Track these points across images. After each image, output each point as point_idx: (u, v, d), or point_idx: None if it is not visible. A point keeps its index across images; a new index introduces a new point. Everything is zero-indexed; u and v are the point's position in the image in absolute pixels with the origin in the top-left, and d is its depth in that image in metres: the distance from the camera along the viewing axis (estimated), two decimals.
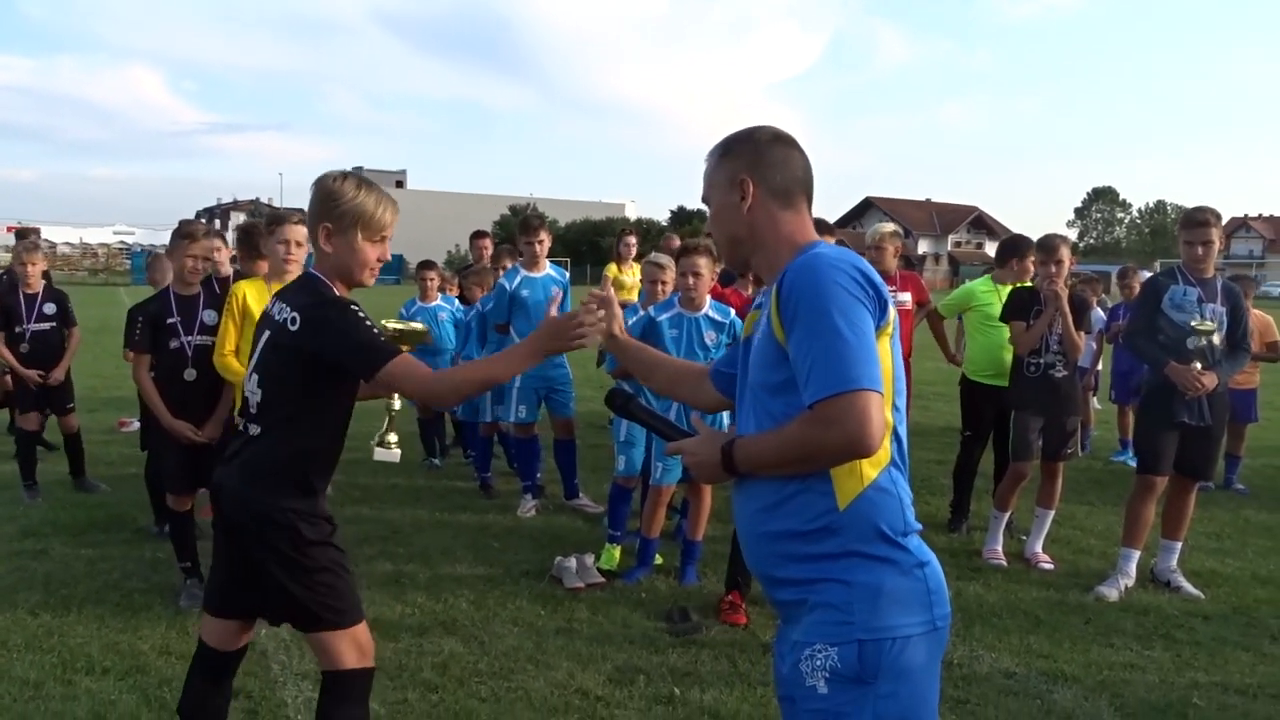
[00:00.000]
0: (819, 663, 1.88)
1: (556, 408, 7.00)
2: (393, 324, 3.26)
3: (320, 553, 2.75)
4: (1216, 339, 5.28)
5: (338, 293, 2.77)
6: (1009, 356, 6.26)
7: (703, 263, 5.31)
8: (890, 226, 7.04)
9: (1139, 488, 5.54)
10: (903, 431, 2.00)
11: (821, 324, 1.87)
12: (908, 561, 1.91)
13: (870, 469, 1.91)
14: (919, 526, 1.99)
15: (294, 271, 4.53)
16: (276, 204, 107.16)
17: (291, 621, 2.78)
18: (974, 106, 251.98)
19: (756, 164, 2.12)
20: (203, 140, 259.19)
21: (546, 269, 6.97)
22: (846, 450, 1.85)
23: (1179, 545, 5.62)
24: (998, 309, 6.35)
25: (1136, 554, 5.54)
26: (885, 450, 1.92)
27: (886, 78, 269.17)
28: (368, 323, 2.66)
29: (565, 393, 7.02)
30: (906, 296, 6.74)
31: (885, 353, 1.96)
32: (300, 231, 4.54)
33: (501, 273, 7.30)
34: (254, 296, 4.74)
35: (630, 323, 5.64)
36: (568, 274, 7.30)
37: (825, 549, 1.91)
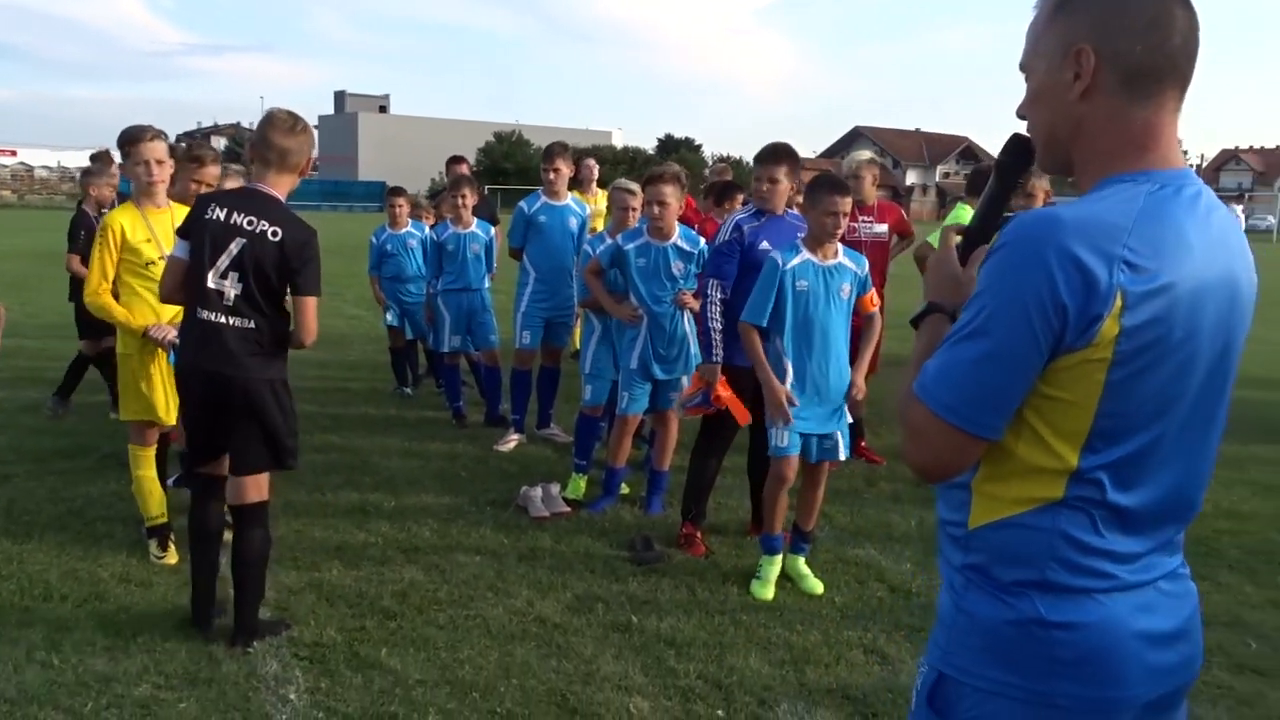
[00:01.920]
0: (919, 675, 1.64)
1: (554, 336, 6.96)
2: None
3: (293, 406, 3.83)
4: None
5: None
6: None
7: (669, 191, 5.21)
8: (867, 154, 6.92)
9: None
10: (1109, 481, 1.45)
11: None
12: (1028, 614, 1.48)
13: (1019, 503, 1.48)
14: (1098, 585, 1.48)
15: (161, 190, 4.42)
16: None
17: (258, 461, 3.75)
18: (969, 34, 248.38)
19: (1108, 28, 1.44)
20: (183, 61, 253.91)
21: (568, 199, 6.87)
22: (907, 456, 1.54)
23: None
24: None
25: None
26: (1054, 488, 1.46)
27: (882, 2, 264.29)
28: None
29: (567, 323, 6.98)
30: (884, 227, 6.66)
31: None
32: (158, 149, 4.39)
33: (463, 201, 7.19)
34: (129, 225, 4.44)
35: (598, 250, 5.57)
36: (588, 207, 7.21)
37: (953, 558, 1.60)
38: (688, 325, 5.38)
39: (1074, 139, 1.51)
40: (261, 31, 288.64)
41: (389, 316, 8.53)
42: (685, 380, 5.35)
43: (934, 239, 6.77)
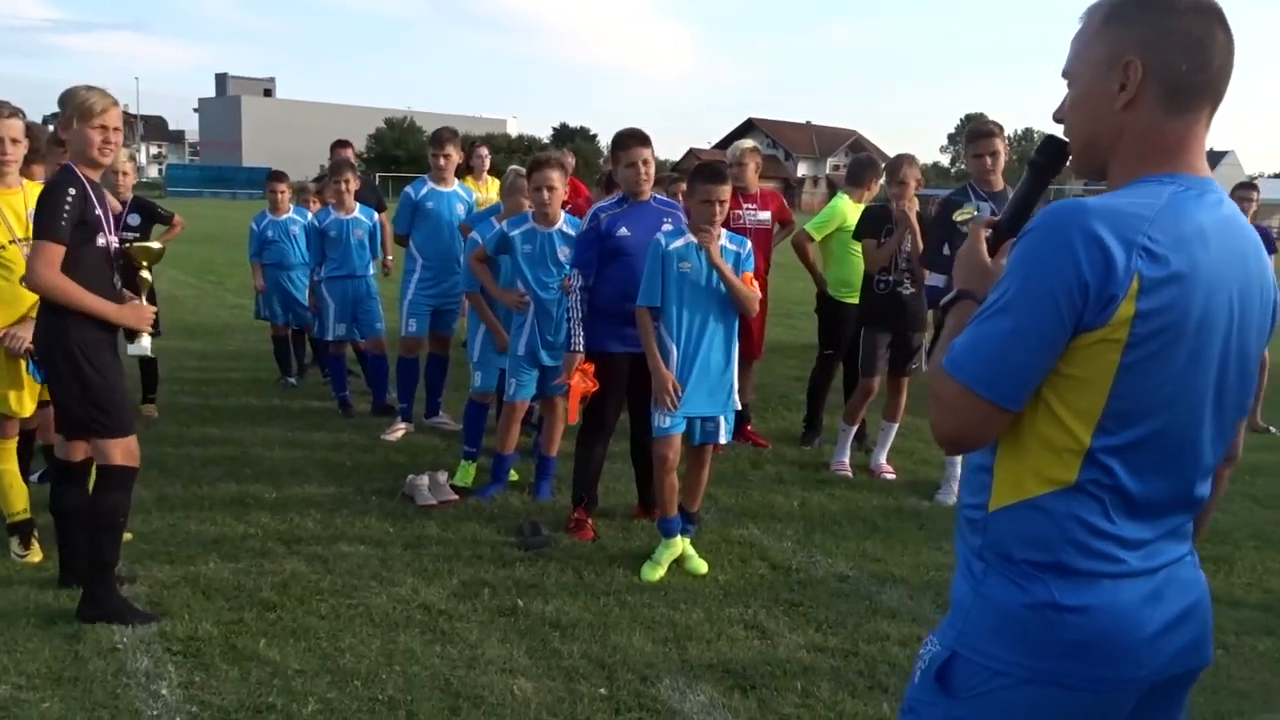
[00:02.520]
0: (922, 653, 1.70)
1: (442, 323, 6.88)
2: (139, 244, 4.29)
3: (90, 374, 3.73)
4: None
5: (78, 174, 3.69)
6: None
7: (555, 177, 5.22)
8: (750, 143, 7.03)
9: None
10: (1119, 466, 1.52)
11: None
12: (1042, 598, 1.54)
13: (1036, 483, 1.55)
14: (1108, 570, 1.54)
15: (13, 170, 4.30)
16: (134, 111, 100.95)
17: (65, 422, 3.87)
18: (859, 28, 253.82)
19: (1158, 44, 1.51)
20: (49, 38, 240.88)
21: (455, 186, 6.83)
22: (935, 427, 1.60)
23: None
24: None
25: (959, 460, 5.81)
26: (1068, 469, 1.53)
27: None
28: (66, 207, 3.58)
29: (454, 311, 6.91)
30: (767, 214, 6.78)
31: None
32: (14, 127, 4.24)
33: (345, 186, 7.07)
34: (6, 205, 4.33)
35: (485, 237, 5.54)
36: (474, 194, 7.15)
37: (972, 542, 1.64)
38: None
39: (1113, 146, 1.58)
40: (135, 8, 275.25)
41: (263, 309, 8.33)
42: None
43: (811, 228, 6.96)
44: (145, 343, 4.13)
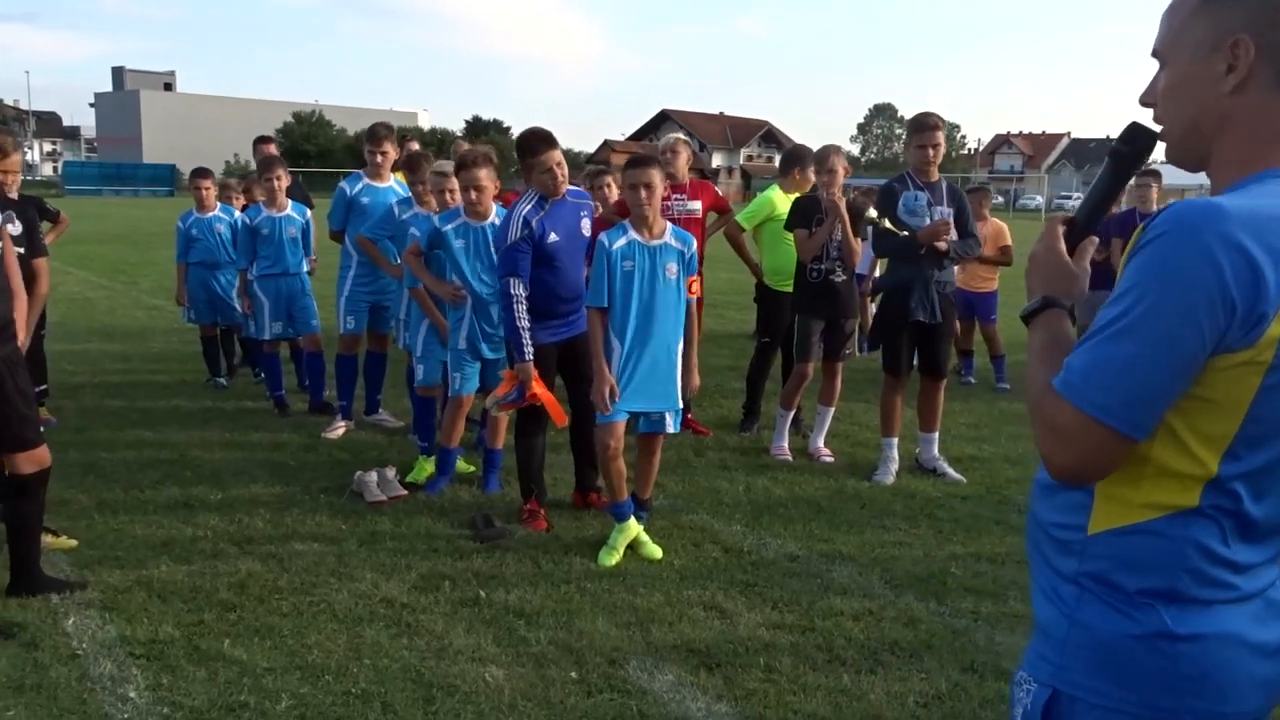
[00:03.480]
0: (1019, 694, 1.54)
1: (379, 322, 6.83)
2: None
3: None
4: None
5: None
6: None
7: (483, 175, 5.25)
8: (679, 135, 7.15)
9: (885, 384, 6.07)
10: (1244, 490, 1.40)
11: None
12: (1153, 628, 1.41)
13: (1150, 508, 1.41)
14: (1221, 596, 1.42)
15: None
16: (24, 106, 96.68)
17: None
18: (766, 18, 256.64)
19: (1270, 18, 1.37)
20: None
21: (391, 181, 6.75)
22: (1050, 459, 1.42)
23: (935, 436, 6.16)
24: None
25: (895, 441, 6.05)
26: (1189, 495, 1.40)
27: None
28: None
29: (391, 307, 6.84)
30: (697, 204, 6.90)
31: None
32: None
33: (277, 183, 6.98)
34: None
35: (420, 234, 5.55)
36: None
37: (1063, 566, 1.50)
38: None
39: (1219, 134, 1.43)
40: None
41: (189, 314, 8.16)
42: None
43: (742, 219, 7.11)
44: None
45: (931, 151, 5.75)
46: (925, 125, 5.76)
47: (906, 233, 5.69)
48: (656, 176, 4.55)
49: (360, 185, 6.66)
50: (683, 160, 6.81)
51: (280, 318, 7.11)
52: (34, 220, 5.38)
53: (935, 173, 5.86)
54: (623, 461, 4.67)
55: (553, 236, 4.81)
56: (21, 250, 4.90)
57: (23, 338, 4.15)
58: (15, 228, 5.04)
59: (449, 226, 5.35)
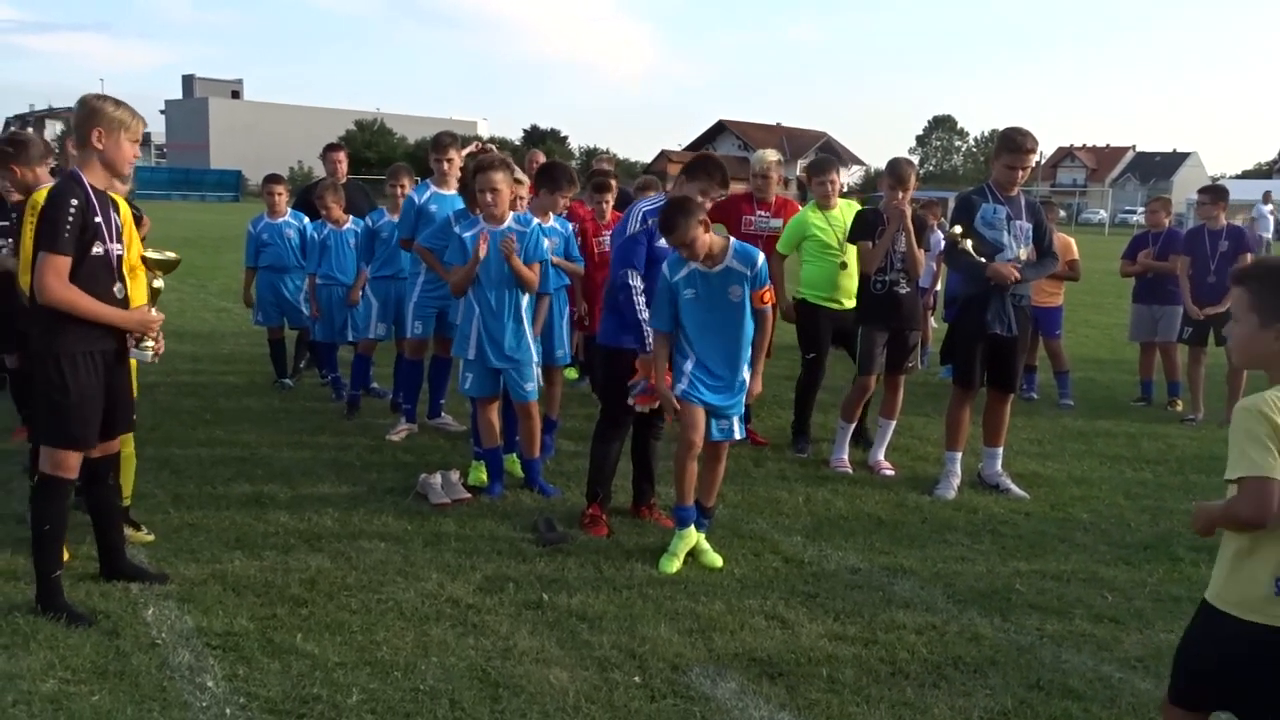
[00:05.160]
0: None
1: (446, 326, 6.91)
2: (151, 253, 4.38)
3: (51, 382, 3.79)
4: (1023, 254, 5.70)
5: (84, 183, 3.76)
6: (846, 279, 6.54)
7: (499, 179, 5.35)
8: (774, 155, 7.09)
9: (955, 397, 5.99)
10: None
11: None
12: None
13: None
14: None
15: None
16: None
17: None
18: (826, 27, 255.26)
19: None
20: (9, 39, 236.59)
21: (456, 188, 6.84)
22: None
23: (999, 451, 6.09)
24: (830, 234, 6.56)
25: (959, 456, 5.99)
26: None
27: None
28: (70, 217, 3.65)
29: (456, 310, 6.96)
30: (780, 222, 6.89)
31: None
32: None
33: (401, 190, 7.11)
34: None
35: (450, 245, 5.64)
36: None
37: None
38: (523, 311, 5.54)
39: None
40: (97, 8, 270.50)
41: (258, 316, 8.38)
42: (534, 369, 5.61)
43: (782, 247, 7.01)
44: (148, 348, 4.11)
45: (1021, 173, 5.73)
46: (1021, 148, 5.68)
47: (982, 259, 5.64)
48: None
49: (428, 194, 6.77)
50: (774, 181, 6.87)
51: (386, 320, 7.24)
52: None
53: (1016, 189, 5.82)
54: (695, 464, 4.69)
55: (663, 242, 4.85)
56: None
57: None
58: None
59: (468, 234, 5.44)
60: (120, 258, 3.96)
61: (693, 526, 4.73)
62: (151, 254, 4.40)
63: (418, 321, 6.74)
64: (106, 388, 3.92)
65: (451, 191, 6.83)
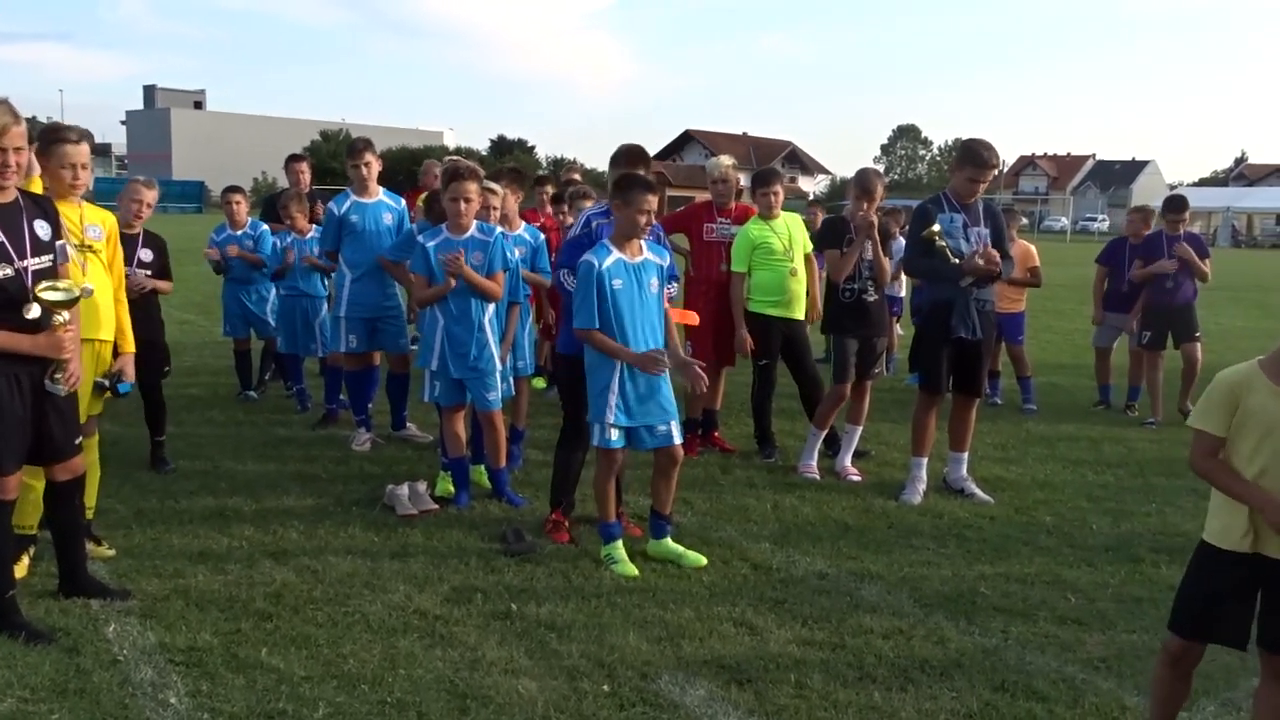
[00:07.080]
0: None
1: (388, 342, 6.84)
2: (47, 294, 3.63)
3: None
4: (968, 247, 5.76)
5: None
6: (796, 284, 6.56)
7: (472, 189, 5.37)
8: (729, 159, 7.11)
9: (920, 402, 6.03)
10: None
11: None
12: None
13: None
14: None
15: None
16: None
17: None
18: (789, 38, 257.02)
19: None
20: None
21: (379, 194, 6.75)
22: None
23: (965, 456, 6.15)
24: (776, 243, 6.52)
25: (925, 461, 6.03)
26: None
27: (706, 5, 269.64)
28: None
29: (397, 324, 6.86)
30: (739, 229, 6.91)
31: None
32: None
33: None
34: None
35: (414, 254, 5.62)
36: (403, 201, 7.07)
37: None
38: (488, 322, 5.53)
39: None
40: (57, 18, 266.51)
41: (226, 327, 8.31)
42: (497, 379, 5.55)
43: (736, 266, 6.98)
44: (58, 381, 3.77)
45: (981, 186, 5.79)
46: (986, 164, 5.72)
47: (958, 260, 5.69)
48: (655, 202, 4.66)
49: (348, 204, 6.62)
50: (733, 185, 6.88)
51: (358, 331, 7.16)
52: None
53: (974, 197, 5.89)
54: (614, 483, 4.79)
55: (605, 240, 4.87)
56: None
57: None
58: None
59: (432, 243, 5.42)
60: (38, 273, 3.68)
61: (618, 538, 4.79)
62: (48, 295, 3.68)
63: (351, 336, 6.64)
64: (38, 411, 3.76)
65: (373, 198, 6.70)
